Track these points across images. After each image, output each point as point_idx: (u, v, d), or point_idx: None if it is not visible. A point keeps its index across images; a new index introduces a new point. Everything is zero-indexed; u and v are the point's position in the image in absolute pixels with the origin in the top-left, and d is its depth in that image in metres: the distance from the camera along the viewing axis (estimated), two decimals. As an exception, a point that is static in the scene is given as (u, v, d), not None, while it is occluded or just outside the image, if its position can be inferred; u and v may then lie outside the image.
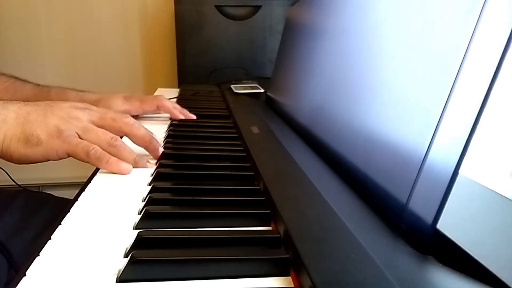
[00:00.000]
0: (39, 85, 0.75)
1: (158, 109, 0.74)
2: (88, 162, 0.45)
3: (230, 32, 1.34)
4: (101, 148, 0.45)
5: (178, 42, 1.35)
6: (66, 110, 0.47)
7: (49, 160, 0.46)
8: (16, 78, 0.75)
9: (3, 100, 0.47)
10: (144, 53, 1.58)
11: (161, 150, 0.51)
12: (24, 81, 0.75)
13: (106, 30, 1.53)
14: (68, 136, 0.45)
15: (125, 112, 0.62)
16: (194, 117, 0.74)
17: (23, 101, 0.50)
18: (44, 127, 0.45)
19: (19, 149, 0.44)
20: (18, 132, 0.44)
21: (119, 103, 0.71)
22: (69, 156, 0.45)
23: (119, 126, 0.49)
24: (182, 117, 0.73)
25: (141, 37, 1.57)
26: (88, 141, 0.45)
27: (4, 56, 1.47)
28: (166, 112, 0.74)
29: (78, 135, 0.46)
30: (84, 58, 1.53)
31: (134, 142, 0.50)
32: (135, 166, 0.47)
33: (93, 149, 0.44)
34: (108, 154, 0.45)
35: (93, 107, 0.51)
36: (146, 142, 0.50)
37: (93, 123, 0.48)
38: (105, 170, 0.46)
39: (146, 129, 0.51)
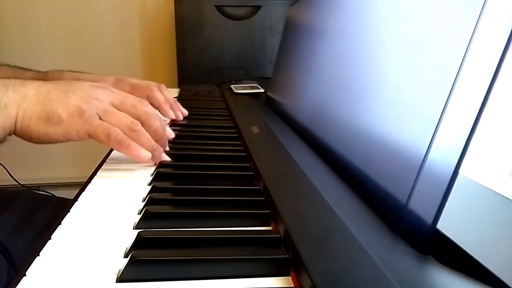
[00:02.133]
0: (38, 71, 0.74)
1: (148, 99, 0.67)
2: (108, 145, 0.44)
3: (230, 32, 1.34)
4: (122, 129, 0.45)
5: (178, 42, 1.35)
6: (87, 89, 0.47)
7: (69, 140, 0.45)
8: (17, 67, 0.75)
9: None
10: (144, 53, 1.58)
11: (164, 157, 0.49)
12: (25, 69, 0.75)
13: (106, 30, 1.53)
14: (90, 116, 0.44)
15: None
16: (185, 113, 0.71)
17: None
18: (65, 106, 0.44)
19: (39, 127, 0.43)
20: (38, 110, 0.43)
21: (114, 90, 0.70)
22: (89, 137, 0.44)
23: (137, 114, 0.48)
24: (172, 115, 0.69)
25: (141, 37, 1.57)
26: (108, 123, 0.45)
27: (4, 56, 1.47)
28: (155, 105, 0.67)
29: (99, 116, 0.45)
30: (84, 58, 1.53)
31: (147, 132, 0.49)
32: (153, 154, 0.46)
33: (114, 131, 0.44)
34: (128, 139, 0.44)
35: (113, 89, 0.50)
36: (158, 136, 0.49)
37: (113, 105, 0.47)
38: (105, 169, 0.46)
39: (162, 122, 0.51)
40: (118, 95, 0.49)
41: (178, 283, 0.27)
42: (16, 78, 0.70)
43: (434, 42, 0.32)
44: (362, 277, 0.24)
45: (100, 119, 0.45)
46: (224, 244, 0.31)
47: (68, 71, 0.72)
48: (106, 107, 0.46)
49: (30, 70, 0.75)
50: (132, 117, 0.47)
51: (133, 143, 0.45)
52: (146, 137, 0.47)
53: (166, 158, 0.48)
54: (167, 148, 0.50)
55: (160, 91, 0.69)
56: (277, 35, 1.31)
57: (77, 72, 0.73)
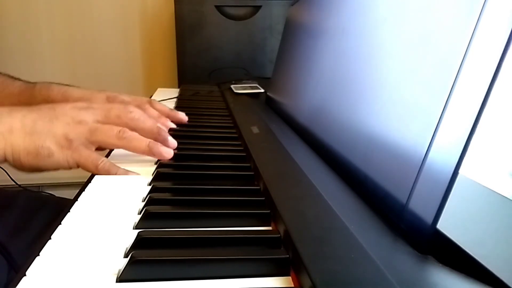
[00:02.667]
0: (28, 82, 0.74)
1: None
2: (98, 174, 0.45)
3: (230, 32, 1.34)
4: (111, 143, 0.46)
5: (178, 42, 1.35)
6: (70, 113, 0.47)
7: (59, 169, 0.46)
8: (8, 76, 0.74)
9: (5, 106, 0.46)
10: (144, 53, 1.58)
11: (172, 140, 0.50)
12: (15, 79, 0.74)
13: (106, 30, 1.53)
14: (78, 145, 0.45)
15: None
16: (185, 118, 0.69)
17: (9, 98, 0.48)
18: (52, 137, 0.45)
19: (29, 162, 0.44)
20: (26, 144, 0.44)
21: (99, 106, 0.69)
22: (78, 166, 0.46)
23: (124, 123, 0.49)
24: (172, 125, 0.66)
25: (141, 38, 1.57)
26: (98, 140, 0.46)
27: (4, 57, 1.47)
28: None
29: (87, 139, 0.46)
30: (84, 58, 1.53)
31: (143, 136, 0.49)
32: (150, 152, 0.47)
33: (101, 161, 0.45)
34: (115, 166, 0.46)
35: (94, 105, 0.51)
36: (155, 134, 0.49)
37: (98, 122, 0.48)
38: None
39: (152, 120, 0.51)
40: (101, 110, 0.49)
41: (178, 283, 0.27)
42: (3, 90, 0.69)
43: (434, 42, 0.32)
44: (362, 277, 0.24)
45: (89, 140, 0.46)
46: (224, 244, 0.31)
47: (56, 84, 0.70)
48: (91, 126, 0.47)
49: (20, 80, 0.74)
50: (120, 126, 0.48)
51: (120, 170, 0.46)
52: (137, 139, 0.47)
53: (168, 151, 0.48)
54: (170, 139, 0.50)
55: (152, 106, 0.67)
56: (277, 35, 1.31)
57: (65, 86, 0.70)
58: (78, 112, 0.48)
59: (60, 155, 0.44)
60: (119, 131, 0.46)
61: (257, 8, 1.34)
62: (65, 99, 0.66)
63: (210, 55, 1.34)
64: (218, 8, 1.32)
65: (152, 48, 1.58)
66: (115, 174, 0.45)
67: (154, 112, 0.65)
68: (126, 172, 0.46)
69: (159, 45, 1.57)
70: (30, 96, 0.66)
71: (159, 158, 0.48)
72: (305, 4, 0.74)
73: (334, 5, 0.57)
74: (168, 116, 0.67)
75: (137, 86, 1.57)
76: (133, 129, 0.49)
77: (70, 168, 0.46)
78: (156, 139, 0.49)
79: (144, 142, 0.47)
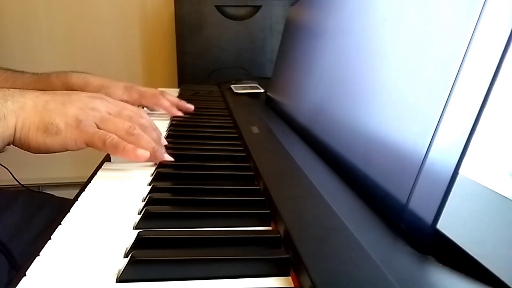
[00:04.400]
0: (36, 73, 0.75)
1: (156, 106, 0.77)
2: (104, 151, 0.45)
3: (230, 32, 1.34)
4: (119, 136, 0.45)
5: (178, 42, 1.35)
6: (85, 100, 0.47)
7: (67, 150, 0.46)
8: (12, 70, 0.75)
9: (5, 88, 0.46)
10: (144, 53, 1.58)
11: (168, 157, 0.49)
12: (21, 71, 0.75)
13: (106, 30, 1.53)
14: (86, 126, 0.45)
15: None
16: (192, 107, 0.77)
17: (24, 88, 0.49)
18: (63, 116, 0.44)
19: (37, 137, 0.44)
20: (36, 120, 0.44)
21: (118, 93, 0.72)
22: (87, 145, 0.45)
23: (133, 123, 0.49)
24: (179, 113, 0.75)
25: (141, 38, 1.57)
26: (106, 130, 0.45)
27: (4, 56, 1.47)
28: (164, 110, 0.76)
29: (97, 125, 0.46)
30: (84, 58, 1.53)
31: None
32: (153, 156, 0.47)
33: (109, 137, 0.44)
34: (124, 142, 0.45)
35: (109, 99, 0.51)
36: (149, 149, 0.47)
37: (110, 115, 0.48)
38: (105, 169, 0.46)
39: (158, 133, 0.52)
40: (115, 106, 0.50)
41: (178, 283, 0.27)
42: (14, 81, 0.71)
43: (434, 42, 0.32)
44: (362, 277, 0.24)
45: (98, 127, 0.46)
46: (224, 244, 0.31)
47: (74, 72, 0.72)
48: (103, 115, 0.47)
49: (26, 72, 0.75)
50: None
51: (129, 145, 0.45)
52: (145, 139, 0.47)
53: (169, 158, 0.48)
54: (166, 156, 0.49)
55: (165, 97, 0.76)
56: (277, 35, 1.31)
57: (83, 73, 0.72)
58: (93, 100, 0.48)
59: (68, 134, 0.44)
60: (130, 127, 0.46)
61: (257, 8, 1.34)
62: (86, 84, 0.69)
63: (210, 55, 1.34)
64: (218, 8, 1.32)
65: (152, 48, 1.57)
66: (123, 149, 0.44)
67: (166, 103, 0.75)
68: (134, 149, 0.45)
69: (159, 45, 1.57)
70: (47, 82, 0.69)
71: (156, 162, 0.48)
72: (305, 4, 0.74)
73: (334, 5, 0.57)
74: (177, 106, 0.76)
75: (137, 86, 1.56)
76: None
77: (77, 148, 0.45)
78: (150, 154, 0.48)
79: (151, 144, 0.47)
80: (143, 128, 0.49)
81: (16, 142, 0.44)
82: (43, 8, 1.48)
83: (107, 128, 0.46)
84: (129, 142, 0.45)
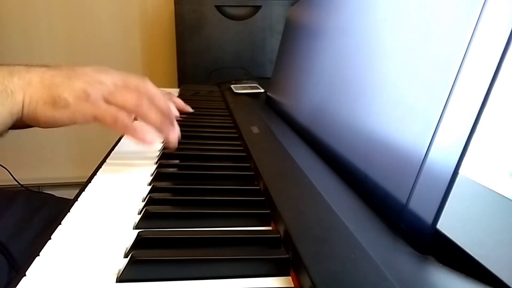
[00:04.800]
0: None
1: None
2: (114, 129, 0.45)
3: (230, 32, 1.34)
4: (128, 108, 0.45)
5: (178, 42, 1.35)
6: (90, 73, 0.47)
7: (75, 123, 0.45)
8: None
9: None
10: (144, 53, 1.58)
11: (177, 126, 0.49)
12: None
13: (106, 30, 1.53)
14: (96, 99, 0.44)
15: None
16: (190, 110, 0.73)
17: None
18: (71, 89, 0.44)
19: (45, 111, 0.44)
20: (44, 94, 0.43)
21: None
22: (95, 120, 0.45)
23: (141, 93, 0.48)
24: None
25: (141, 37, 1.57)
26: (115, 103, 0.45)
27: (4, 56, 1.47)
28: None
29: (104, 98, 0.45)
30: (84, 58, 1.53)
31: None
32: (161, 127, 0.47)
33: (121, 115, 0.44)
34: (134, 124, 0.45)
35: (113, 71, 0.50)
36: (165, 112, 0.48)
37: (117, 86, 0.47)
38: (105, 169, 0.46)
39: (166, 99, 0.51)
40: (120, 77, 0.49)
41: (178, 283, 0.27)
42: None
43: (434, 42, 0.32)
44: (362, 277, 0.24)
45: (106, 100, 0.45)
46: (224, 244, 0.31)
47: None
48: (110, 88, 0.46)
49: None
50: None
51: (139, 128, 0.45)
52: (154, 111, 0.47)
53: (176, 132, 0.49)
54: (176, 126, 0.50)
55: (171, 99, 0.70)
56: (277, 35, 1.31)
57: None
58: (99, 73, 0.48)
59: (77, 107, 0.44)
60: (137, 97, 0.46)
61: (257, 8, 1.34)
62: None
63: (210, 55, 1.34)
64: (218, 8, 1.32)
65: (152, 48, 1.58)
66: (134, 131, 0.45)
67: (172, 104, 0.68)
68: (144, 133, 0.45)
69: (159, 45, 1.57)
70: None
71: (165, 137, 0.48)
72: (305, 4, 0.74)
73: (334, 5, 0.57)
74: (183, 110, 0.69)
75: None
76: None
77: (85, 121, 0.45)
78: (165, 119, 0.49)
79: (159, 116, 0.47)
80: (151, 94, 0.48)
81: (25, 117, 0.44)
82: (43, 8, 1.48)
83: (116, 101, 0.45)
84: (136, 113, 0.46)
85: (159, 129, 0.47)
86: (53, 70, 0.46)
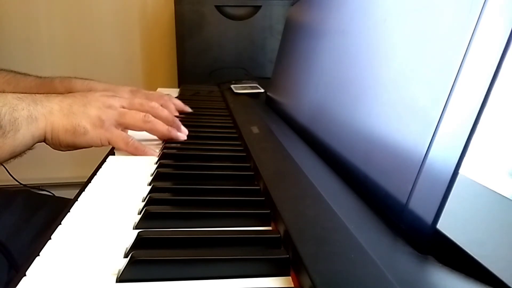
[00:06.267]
0: (39, 77, 0.76)
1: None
2: (126, 151, 0.52)
3: (230, 32, 1.34)
4: (138, 126, 0.54)
5: (178, 42, 1.35)
6: (101, 100, 0.54)
7: (91, 147, 0.52)
8: (15, 72, 0.76)
9: (8, 92, 0.51)
10: (144, 53, 1.58)
11: (184, 129, 0.59)
12: (24, 74, 0.76)
13: (106, 30, 1.53)
14: (110, 125, 0.52)
15: None
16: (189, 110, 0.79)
17: (26, 92, 0.54)
18: (87, 118, 0.51)
19: (67, 139, 0.50)
20: (65, 123, 0.50)
21: (125, 96, 0.73)
22: (109, 144, 0.52)
23: (146, 110, 0.56)
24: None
25: (141, 37, 1.57)
26: (126, 125, 0.54)
27: (4, 56, 1.47)
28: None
29: (116, 121, 0.53)
30: (84, 58, 1.53)
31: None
32: (169, 135, 0.56)
33: (132, 139, 0.53)
34: (143, 145, 0.53)
35: (119, 90, 0.61)
36: (170, 122, 0.58)
37: (124, 108, 0.55)
38: (105, 169, 0.46)
39: (168, 111, 0.60)
40: (125, 99, 0.57)
41: (178, 283, 0.27)
42: (17, 84, 0.73)
43: (434, 41, 0.32)
44: (362, 277, 0.24)
45: (118, 122, 0.53)
46: (224, 244, 0.31)
47: (78, 78, 0.76)
48: (120, 111, 0.54)
49: (30, 75, 0.76)
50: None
51: (147, 148, 0.53)
52: (160, 123, 0.56)
53: (183, 135, 0.58)
54: (182, 128, 0.59)
55: (170, 100, 0.78)
56: (277, 35, 1.31)
57: (87, 80, 0.76)
58: (107, 98, 0.55)
59: (94, 133, 0.51)
60: (145, 116, 0.55)
61: (257, 8, 1.34)
62: (90, 91, 0.71)
63: (210, 55, 1.34)
64: (218, 8, 1.32)
65: (152, 48, 1.58)
66: (143, 151, 0.52)
67: (172, 106, 0.77)
68: (152, 152, 0.53)
69: (159, 45, 1.57)
70: (51, 89, 0.73)
71: (175, 140, 0.57)
72: (305, 4, 0.74)
73: (334, 5, 0.57)
74: (182, 111, 0.78)
75: (137, 86, 1.54)
76: (152, 115, 0.56)
77: (101, 145, 0.52)
78: (171, 126, 0.58)
79: (165, 126, 0.56)
80: (155, 109, 0.57)
81: (49, 142, 0.50)
82: (43, 8, 1.48)
83: (127, 123, 0.54)
84: (146, 129, 0.55)
85: (168, 137, 0.56)
86: (69, 98, 0.53)
